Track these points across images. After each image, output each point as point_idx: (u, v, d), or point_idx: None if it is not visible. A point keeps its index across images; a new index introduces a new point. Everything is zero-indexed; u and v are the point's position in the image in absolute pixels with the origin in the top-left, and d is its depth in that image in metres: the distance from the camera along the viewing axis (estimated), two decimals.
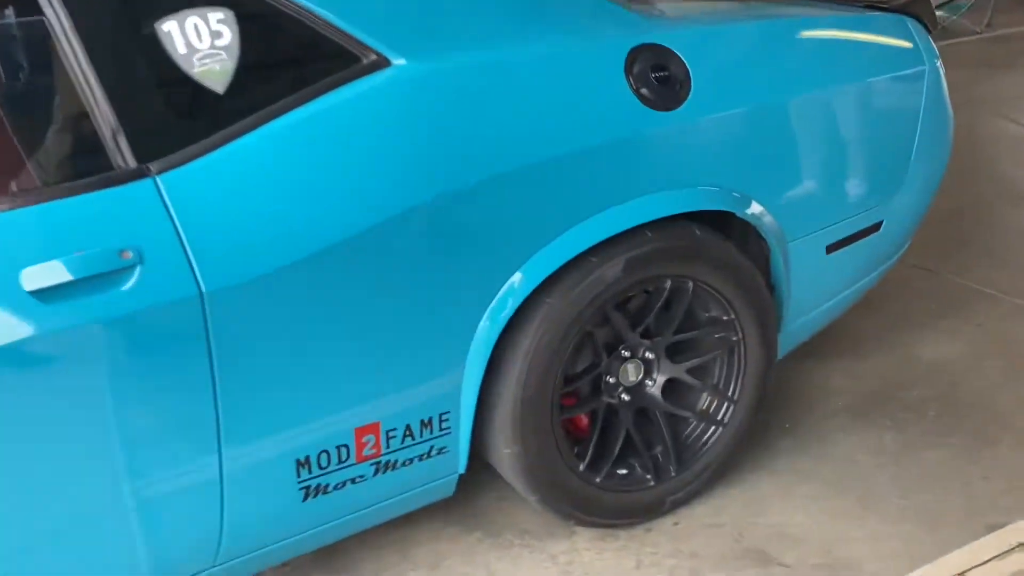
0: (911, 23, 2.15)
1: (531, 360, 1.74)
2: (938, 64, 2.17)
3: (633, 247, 1.78)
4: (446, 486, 1.85)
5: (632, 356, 1.96)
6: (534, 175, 1.65)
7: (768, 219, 1.94)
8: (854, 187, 2.08)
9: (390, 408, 1.66)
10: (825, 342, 2.74)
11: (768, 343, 2.03)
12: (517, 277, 1.67)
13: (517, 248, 1.66)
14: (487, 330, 1.68)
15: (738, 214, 1.89)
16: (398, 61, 1.56)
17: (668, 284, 1.87)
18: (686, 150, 1.80)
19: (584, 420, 2.01)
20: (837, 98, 1.98)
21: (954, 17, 7.79)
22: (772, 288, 2.05)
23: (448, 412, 1.73)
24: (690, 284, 1.89)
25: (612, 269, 1.77)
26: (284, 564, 1.92)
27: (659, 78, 1.75)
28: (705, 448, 2.04)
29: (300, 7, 1.51)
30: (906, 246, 2.40)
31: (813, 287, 2.15)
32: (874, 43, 2.07)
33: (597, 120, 1.70)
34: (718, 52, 1.84)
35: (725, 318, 1.98)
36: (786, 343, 2.21)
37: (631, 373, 1.97)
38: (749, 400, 2.06)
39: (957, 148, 2.36)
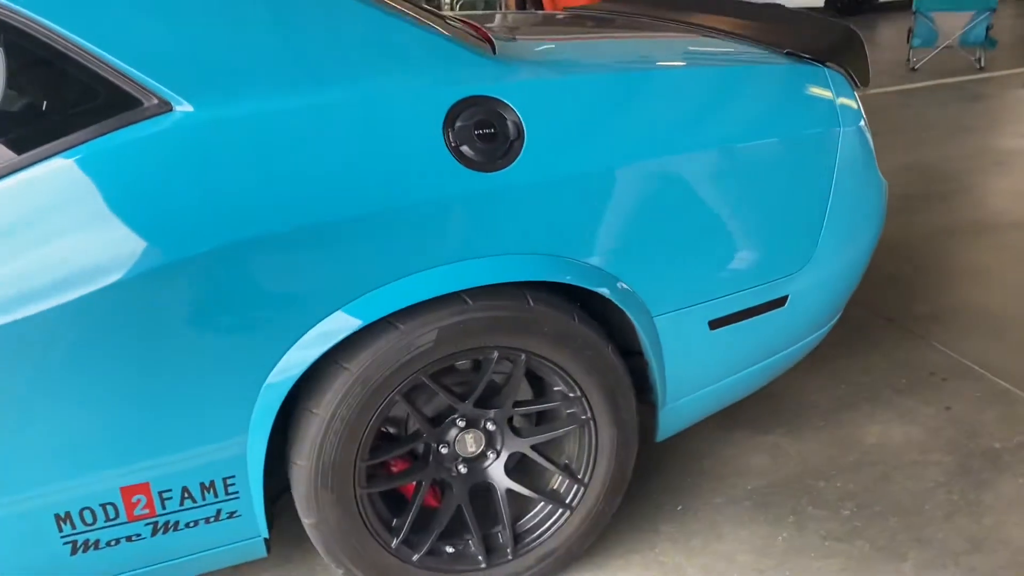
0: (833, 77, 1.89)
1: (327, 428, 1.62)
2: (860, 125, 1.91)
3: (449, 315, 1.63)
4: (253, 548, 1.76)
5: (471, 427, 1.82)
6: (323, 235, 1.52)
7: (624, 291, 1.75)
8: (742, 260, 1.85)
9: (161, 470, 1.58)
10: (766, 412, 2.52)
11: (622, 423, 1.84)
12: (304, 342, 1.56)
13: (302, 312, 1.55)
14: (270, 396, 1.57)
15: (580, 285, 1.70)
16: (182, 107, 1.47)
17: (495, 356, 1.71)
18: (513, 214, 1.63)
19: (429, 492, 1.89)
20: (717, 160, 1.75)
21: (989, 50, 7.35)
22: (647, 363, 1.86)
23: (233, 477, 1.63)
24: (523, 357, 1.73)
25: (423, 337, 1.62)
26: None
27: (484, 135, 1.59)
28: (550, 532, 1.87)
29: (75, 44, 1.44)
30: (831, 322, 2.14)
31: (697, 365, 1.93)
32: (772, 99, 1.82)
33: (402, 178, 1.55)
34: (564, 106, 1.65)
35: (571, 395, 1.80)
36: (673, 422, 2.01)
37: (470, 444, 1.82)
38: (602, 484, 1.87)
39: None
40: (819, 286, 1.97)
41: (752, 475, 2.27)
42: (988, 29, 7.21)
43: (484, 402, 1.82)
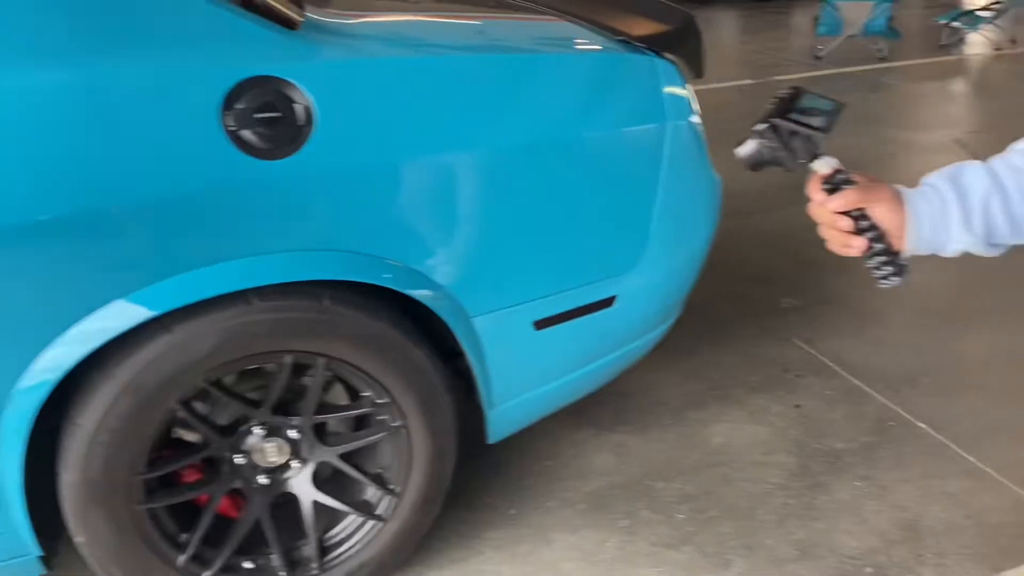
0: (664, 67, 1.80)
1: (91, 441, 1.48)
2: (691, 120, 1.83)
3: (231, 317, 1.50)
4: (27, 566, 1.60)
5: (273, 435, 1.69)
6: (80, 225, 1.37)
7: (434, 291, 1.64)
8: (564, 259, 1.76)
9: None
10: (615, 409, 2.45)
11: (437, 431, 1.73)
12: (60, 343, 1.40)
13: (57, 309, 1.39)
14: (22, 401, 1.42)
15: (381, 284, 1.59)
16: None
17: (288, 360, 1.59)
18: (301, 207, 1.50)
19: (228, 501, 1.76)
20: (530, 154, 1.65)
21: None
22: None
23: None
24: (321, 361, 1.61)
25: (201, 341, 1.49)
26: None
27: (267, 119, 1.45)
28: (361, 545, 1.76)
29: None
30: (666, 323, 2.07)
31: (524, 366, 1.84)
32: (590, 90, 1.73)
33: (171, 165, 1.41)
34: (362, 91, 1.53)
35: (380, 401, 1.69)
36: (504, 424, 1.92)
37: (270, 454, 1.70)
38: (417, 494, 1.77)
39: None
40: (649, 287, 1.90)
41: (593, 476, 2.20)
42: (889, 20, 7.30)
43: (287, 408, 1.69)
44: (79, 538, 1.55)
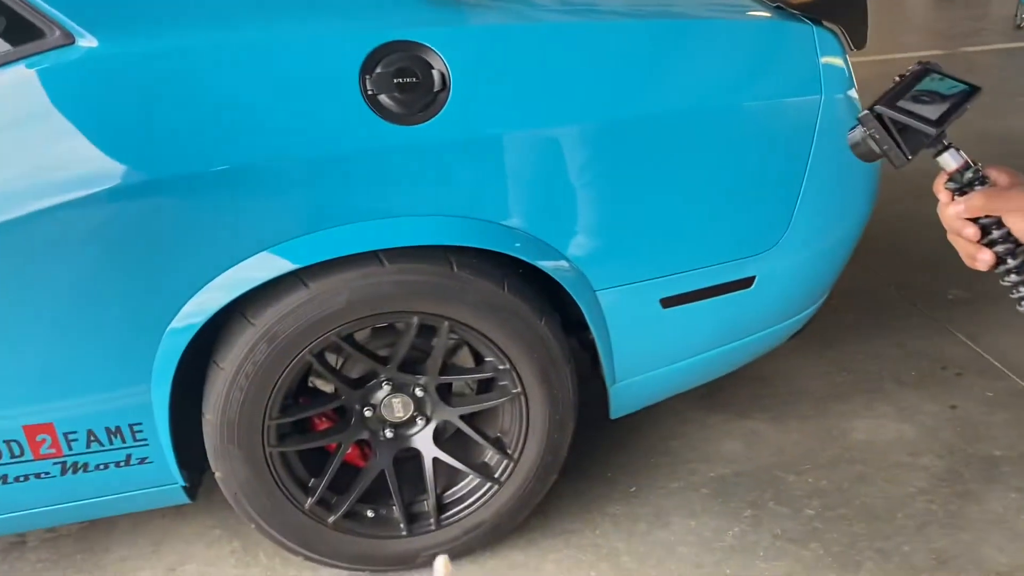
0: (822, 37, 1.68)
1: (232, 384, 1.58)
2: (849, 94, 1.70)
3: (362, 276, 1.55)
4: (172, 494, 1.74)
5: (399, 391, 1.74)
6: (226, 181, 1.45)
7: (559, 262, 1.63)
8: (698, 235, 1.70)
9: (65, 412, 1.56)
10: (751, 395, 2.37)
11: (555, 400, 1.73)
12: (207, 290, 1.50)
13: (204, 261, 1.49)
14: (172, 343, 1.53)
15: (509, 253, 1.59)
16: (86, 41, 1.41)
17: (415, 321, 1.62)
18: (435, 173, 1.52)
19: (357, 451, 1.84)
20: (671, 124, 1.59)
21: None
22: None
23: (140, 424, 1.61)
24: (445, 324, 1.63)
25: (334, 297, 1.55)
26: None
27: (404, 84, 1.47)
28: (478, 505, 1.80)
29: None
30: (810, 308, 1.96)
31: (648, 344, 1.80)
32: (741, 59, 1.63)
33: (312, 127, 1.46)
34: (498, 57, 1.52)
35: (501, 367, 1.70)
36: (627, 401, 1.89)
37: (397, 409, 1.75)
38: (534, 461, 1.78)
39: None
40: (791, 269, 1.80)
41: (720, 462, 2.13)
42: None
43: (414, 367, 1.74)
44: (217, 473, 1.67)
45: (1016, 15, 6.87)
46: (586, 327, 1.75)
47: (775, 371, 2.47)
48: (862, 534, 1.89)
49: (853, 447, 2.16)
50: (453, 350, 1.80)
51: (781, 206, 1.73)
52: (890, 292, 2.88)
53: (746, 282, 1.79)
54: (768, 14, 1.71)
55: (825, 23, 1.71)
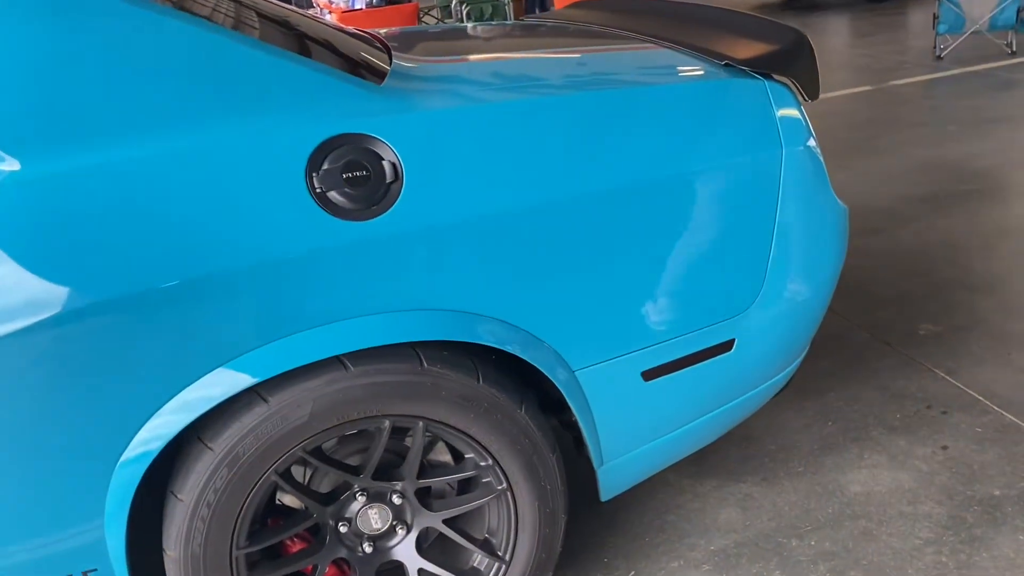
0: (775, 91, 1.66)
1: (192, 515, 1.45)
2: (808, 145, 1.67)
3: (326, 384, 1.44)
4: None
5: (375, 501, 1.63)
6: (175, 298, 1.34)
7: (535, 345, 1.54)
8: (673, 303, 1.63)
9: (6, 560, 1.42)
10: (741, 457, 2.29)
11: (544, 494, 1.63)
12: (161, 418, 1.38)
13: (156, 384, 1.36)
14: (125, 474, 1.40)
15: (481, 343, 1.50)
16: (7, 164, 1.30)
17: (387, 425, 1.52)
18: (395, 267, 1.43)
19: (335, 572, 1.70)
20: (634, 194, 1.54)
21: None
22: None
23: (95, 570, 1.46)
24: (420, 424, 1.53)
25: (296, 410, 1.44)
26: None
27: (353, 179, 1.39)
28: None
29: None
30: (793, 364, 1.90)
31: (634, 420, 1.72)
32: (696, 121, 1.59)
33: (261, 233, 1.36)
34: (450, 142, 1.45)
35: (483, 463, 1.60)
36: (617, 481, 1.79)
37: (374, 521, 1.63)
38: (527, 560, 1.66)
39: None
40: (770, 328, 1.74)
41: (718, 533, 2.04)
42: (1020, 11, 6.81)
43: (389, 473, 1.62)
44: None
45: (935, 47, 7.12)
46: (566, 408, 1.66)
47: (760, 428, 2.40)
48: None
49: (852, 502, 2.08)
50: (429, 447, 1.69)
51: (753, 265, 1.67)
52: (861, 333, 2.84)
53: (726, 346, 1.72)
54: (717, 73, 1.68)
55: (776, 77, 1.68)
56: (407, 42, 2.15)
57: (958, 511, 2.01)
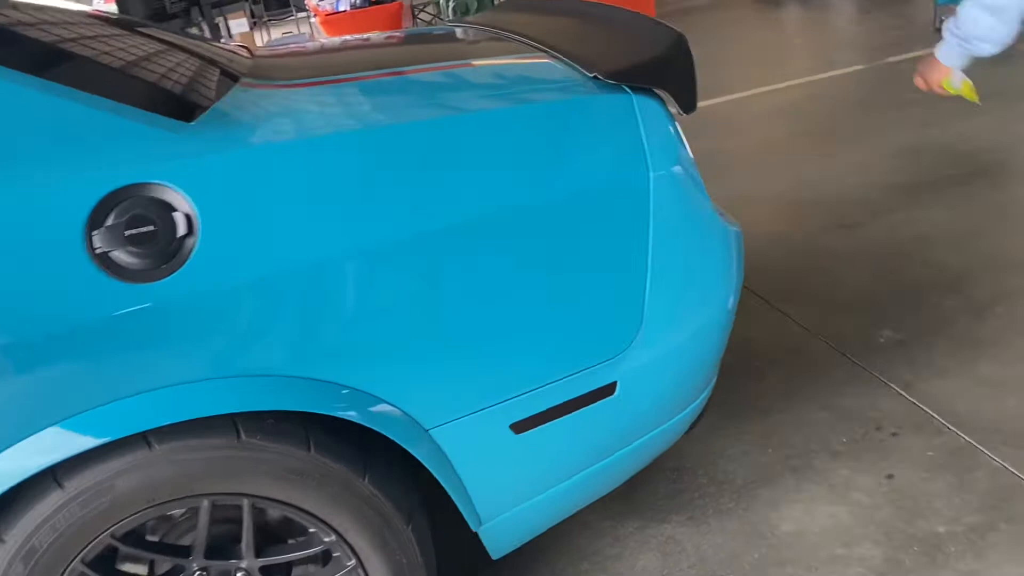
0: (644, 106, 1.47)
1: None
2: (681, 166, 1.48)
3: (129, 465, 1.29)
4: None
5: None
6: None
7: (375, 406, 1.38)
8: (536, 347, 1.45)
9: None
10: (668, 492, 2.11)
11: (401, 567, 1.46)
12: None
13: None
14: None
15: (304, 410, 1.34)
16: None
17: (206, 504, 1.36)
18: (188, 332, 1.27)
19: None
20: (480, 231, 1.36)
21: None
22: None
23: None
24: (246, 502, 1.37)
25: (98, 496, 1.29)
26: None
27: (138, 236, 1.23)
28: None
29: None
30: (695, 402, 1.71)
31: (509, 476, 1.55)
32: (554, 143, 1.40)
33: (39, 304, 1.20)
34: (259, 186, 1.28)
35: (326, 539, 1.44)
36: (503, 540, 1.63)
37: None
38: None
39: None
40: (656, 367, 1.56)
41: None
42: None
43: (228, 551, 1.47)
44: None
45: (935, 18, 6.81)
46: None
47: (693, 457, 2.22)
48: None
49: (782, 543, 1.89)
50: (284, 521, 1.53)
51: (627, 300, 1.49)
52: (817, 343, 2.64)
53: (607, 390, 1.54)
54: (582, 88, 1.50)
55: (647, 90, 1.50)
56: (288, 61, 1.99)
57: (896, 553, 1.81)
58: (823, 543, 1.87)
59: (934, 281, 2.89)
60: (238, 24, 12.00)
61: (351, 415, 1.37)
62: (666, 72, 1.52)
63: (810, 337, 2.68)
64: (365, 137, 1.35)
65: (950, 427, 2.15)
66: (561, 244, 1.42)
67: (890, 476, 2.03)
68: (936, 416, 2.20)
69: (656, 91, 1.50)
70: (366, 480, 1.42)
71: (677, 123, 1.52)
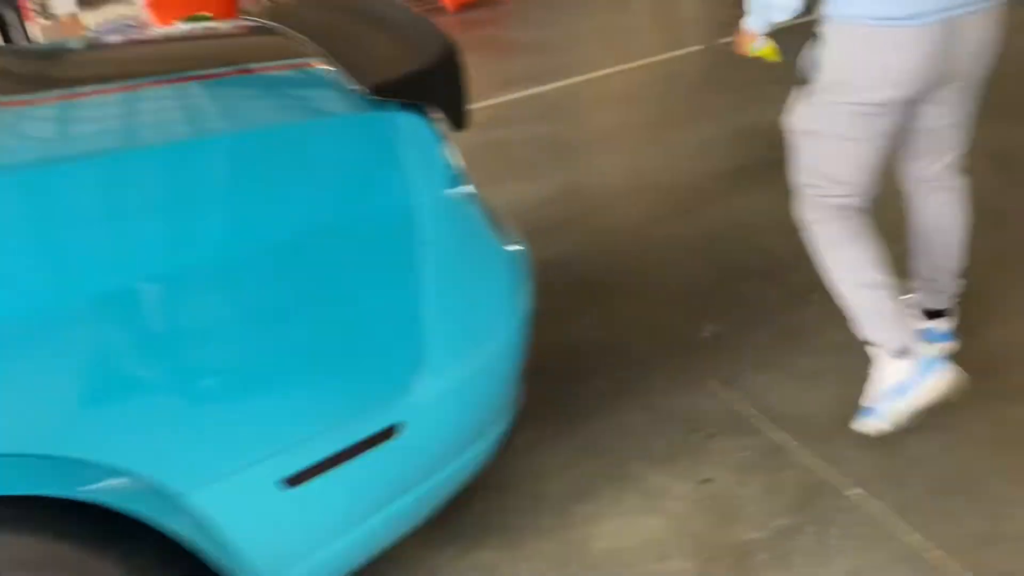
0: (409, 124, 1.35)
1: None
2: (450, 187, 1.38)
3: None
4: None
5: None
6: None
7: (108, 480, 1.22)
8: (299, 395, 1.33)
9: None
10: (489, 512, 2.02)
11: None
12: None
13: None
14: None
15: (21, 493, 1.17)
16: None
17: None
18: None
19: None
20: (215, 274, 1.21)
21: None
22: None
23: None
24: None
25: None
26: None
27: None
28: None
29: None
30: (489, 435, 1.63)
31: (288, 533, 1.42)
32: (300, 171, 1.27)
33: None
34: None
35: None
36: None
37: None
38: None
39: None
40: (441, 403, 1.46)
41: None
42: None
43: None
44: None
45: None
46: None
47: (515, 474, 2.14)
48: None
49: (595, 562, 1.84)
50: None
51: (401, 337, 1.38)
52: (642, 340, 2.62)
53: (386, 434, 1.43)
54: (341, 105, 1.36)
55: (413, 107, 1.38)
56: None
57: (707, 566, 1.79)
58: (637, 560, 1.83)
59: (760, 269, 2.92)
60: (64, 2, 11.13)
61: (79, 492, 1.20)
62: (433, 86, 1.40)
63: (635, 334, 2.65)
64: (41, 176, 1.17)
65: (765, 424, 2.16)
66: (314, 282, 1.29)
67: (706, 480, 2.02)
68: (754, 412, 2.21)
69: (423, 107, 1.38)
70: (110, 562, 1.26)
71: (447, 141, 1.40)
